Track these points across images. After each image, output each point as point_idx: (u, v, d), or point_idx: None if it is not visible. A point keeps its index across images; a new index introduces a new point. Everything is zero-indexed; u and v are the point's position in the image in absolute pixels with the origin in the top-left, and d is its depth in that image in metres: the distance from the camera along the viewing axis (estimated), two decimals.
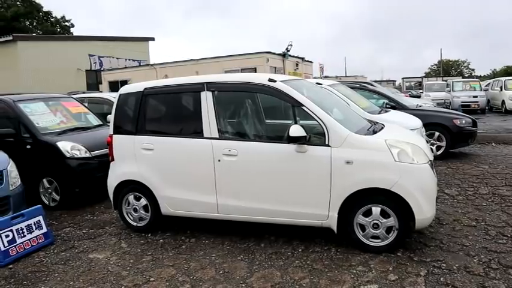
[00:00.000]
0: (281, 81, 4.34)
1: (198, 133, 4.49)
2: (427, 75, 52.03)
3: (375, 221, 4.04)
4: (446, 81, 24.70)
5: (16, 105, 6.53)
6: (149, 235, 4.88)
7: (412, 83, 38.73)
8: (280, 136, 4.32)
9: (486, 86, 21.63)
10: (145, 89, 4.82)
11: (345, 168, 4.00)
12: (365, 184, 3.97)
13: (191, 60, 16.39)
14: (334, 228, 4.15)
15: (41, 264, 4.30)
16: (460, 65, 58.80)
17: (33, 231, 4.70)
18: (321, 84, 6.74)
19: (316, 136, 4.14)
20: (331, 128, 4.05)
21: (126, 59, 25.29)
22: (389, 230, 4.04)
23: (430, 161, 4.21)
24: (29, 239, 4.62)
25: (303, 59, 18.63)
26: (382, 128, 4.67)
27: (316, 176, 4.09)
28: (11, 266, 4.28)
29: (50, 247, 4.73)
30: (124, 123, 4.95)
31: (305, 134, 3.99)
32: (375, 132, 4.43)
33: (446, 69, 54.52)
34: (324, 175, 4.06)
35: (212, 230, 4.88)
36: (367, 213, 4.06)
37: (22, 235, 4.57)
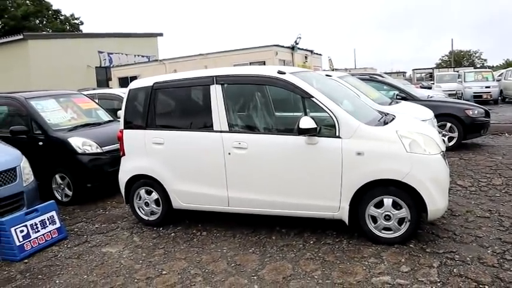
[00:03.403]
0: (290, 73, 4.32)
1: (208, 126, 4.50)
2: (438, 66, 51.40)
3: (387, 213, 4.01)
4: (457, 71, 24.39)
5: (28, 103, 6.60)
6: (161, 229, 4.91)
7: (423, 74, 38.31)
8: (290, 128, 4.31)
9: (499, 76, 21.27)
10: (155, 83, 4.82)
11: (355, 159, 3.97)
12: (376, 175, 3.94)
13: (200, 54, 16.39)
14: (346, 220, 4.13)
15: (55, 258, 4.36)
16: (472, 55, 57.96)
17: (47, 226, 4.76)
18: (330, 76, 6.70)
19: (327, 128, 4.12)
20: (341, 119, 4.02)
21: (135, 55, 25.37)
22: (401, 221, 4.01)
23: (442, 151, 4.17)
24: (42, 234, 4.68)
25: (312, 51, 18.53)
26: (393, 118, 4.62)
27: (327, 167, 4.07)
28: (26, 260, 4.34)
29: (63, 242, 4.79)
30: (134, 118, 4.97)
31: (315, 126, 3.97)
32: (385, 123, 4.39)
33: (458, 59, 53.77)
34: (334, 167, 4.04)
35: (223, 223, 4.89)
36: (379, 204, 4.03)
37: (36, 230, 4.63)
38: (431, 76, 33.75)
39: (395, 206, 3.99)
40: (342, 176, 4.03)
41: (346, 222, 4.15)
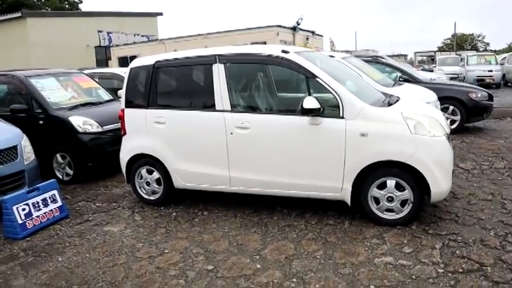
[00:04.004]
0: (294, 52, 4.26)
1: (210, 106, 4.45)
2: (440, 49, 50.95)
3: (390, 194, 4.00)
4: (460, 55, 24.18)
5: (28, 81, 6.52)
6: (162, 208, 4.91)
7: (425, 57, 38.00)
8: (294, 109, 4.27)
9: (502, 60, 21.10)
10: (157, 62, 4.75)
11: (359, 140, 3.94)
12: (380, 157, 3.92)
13: (200, 34, 16.18)
14: (348, 201, 4.12)
15: (57, 236, 4.36)
16: (475, 39, 57.40)
17: (49, 204, 4.75)
18: (333, 56, 6.61)
19: (330, 108, 4.07)
20: (345, 100, 3.97)
21: (134, 35, 25.05)
22: (403, 203, 4.00)
23: (447, 133, 4.13)
24: (44, 213, 4.67)
25: (313, 32, 18.31)
26: (398, 100, 4.57)
27: (330, 148, 4.04)
28: (28, 238, 4.34)
29: (65, 220, 4.78)
30: (135, 97, 4.92)
31: (319, 106, 3.92)
32: (390, 104, 4.34)
33: (460, 43, 53.28)
34: (338, 148, 4.01)
35: (224, 203, 4.88)
36: (382, 186, 4.02)
37: (38, 208, 4.62)
38: (432, 59, 33.46)
39: (398, 187, 3.98)
40: (345, 157, 4.01)
41: (349, 203, 4.14)
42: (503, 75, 19.34)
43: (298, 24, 16.40)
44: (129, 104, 4.93)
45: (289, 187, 4.28)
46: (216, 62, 4.40)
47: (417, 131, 3.88)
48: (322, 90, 4.14)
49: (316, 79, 4.06)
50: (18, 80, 6.60)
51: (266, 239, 3.95)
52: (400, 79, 8.32)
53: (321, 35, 18.77)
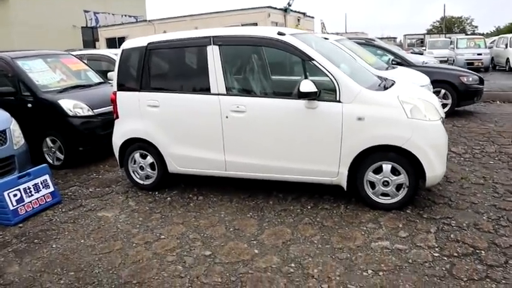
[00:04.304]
0: (290, 34, 4.19)
1: (205, 89, 4.38)
2: (429, 32, 51.01)
3: (385, 179, 4.01)
4: (450, 38, 24.22)
5: (14, 63, 6.34)
6: (156, 193, 4.87)
7: (414, 40, 38.01)
8: (289, 92, 4.23)
9: (491, 43, 21.21)
10: (149, 43, 4.64)
11: (356, 124, 3.92)
12: (376, 141, 3.91)
13: (190, 15, 15.87)
14: (344, 185, 4.13)
15: (50, 222, 4.30)
16: (463, 21, 57.49)
17: (40, 190, 4.67)
18: (327, 38, 6.55)
19: (327, 92, 4.04)
20: (342, 83, 3.93)
21: (122, 15, 24.50)
22: (399, 187, 4.02)
23: (442, 118, 4.14)
24: (36, 198, 4.59)
25: (304, 14, 18.09)
26: (393, 84, 4.55)
27: (327, 132, 4.02)
28: (20, 225, 4.27)
29: (57, 206, 4.71)
30: (128, 80, 4.81)
31: (316, 90, 3.89)
32: (385, 88, 4.32)
33: (449, 26, 53.35)
34: (334, 132, 3.99)
35: (219, 188, 4.86)
36: (378, 170, 4.03)
37: (30, 194, 4.54)
38: (422, 42, 33.54)
39: (394, 171, 3.99)
40: (341, 141, 3.99)
41: (345, 187, 4.14)
42: (492, 59, 19.45)
43: (290, 5, 16.20)
44: (121, 86, 4.83)
45: (285, 171, 4.26)
46: (210, 44, 4.31)
47: (413, 115, 3.87)
48: (318, 73, 4.10)
49: (313, 62, 4.01)
50: (4, 61, 6.41)
51: (263, 224, 3.94)
52: (393, 62, 8.30)
53: (312, 17, 18.61)
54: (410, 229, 3.70)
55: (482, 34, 44.06)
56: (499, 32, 45.98)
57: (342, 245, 3.49)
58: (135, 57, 4.74)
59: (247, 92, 4.39)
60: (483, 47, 19.21)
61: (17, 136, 5.11)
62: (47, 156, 6.27)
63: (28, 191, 4.55)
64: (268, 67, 4.88)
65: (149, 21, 17.50)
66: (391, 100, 3.95)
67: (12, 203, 4.35)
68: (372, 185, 4.08)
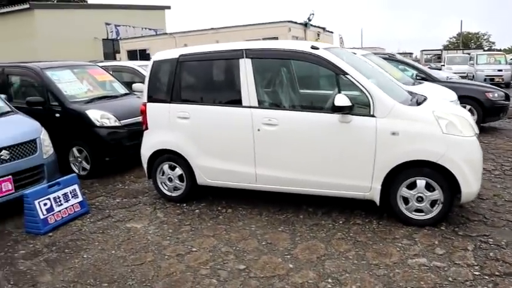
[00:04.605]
0: (324, 48, 4.18)
1: (236, 102, 4.38)
2: (446, 47, 50.75)
3: (420, 194, 3.94)
4: (469, 54, 24.04)
5: (44, 73, 6.45)
6: (184, 205, 4.85)
7: (431, 56, 37.78)
8: (321, 106, 4.21)
9: (511, 59, 20.98)
10: (181, 55, 4.67)
11: (390, 139, 3.88)
12: (411, 156, 3.86)
13: (211, 29, 16.01)
14: (377, 200, 4.06)
15: (79, 232, 4.30)
16: (480, 37, 57.17)
17: (70, 199, 4.69)
18: (355, 53, 6.53)
19: (360, 106, 4.00)
20: (376, 97, 3.90)
21: (142, 28, 24.89)
22: (433, 203, 3.94)
23: (476, 133, 4.07)
24: (65, 208, 4.61)
25: (324, 29, 18.16)
26: (425, 99, 4.50)
27: (360, 147, 3.98)
28: (50, 234, 4.28)
29: (86, 216, 4.72)
30: (158, 91, 4.84)
31: (350, 104, 3.86)
32: (418, 103, 4.27)
33: (465, 42, 53.05)
34: (368, 146, 3.95)
35: (247, 201, 4.82)
36: (411, 185, 3.96)
37: (59, 203, 4.56)
38: (439, 58, 33.30)
39: (428, 187, 3.92)
40: (375, 156, 3.94)
41: (377, 203, 4.08)
42: None
43: (310, 20, 16.27)
44: (152, 98, 4.86)
45: (317, 185, 4.22)
46: (243, 57, 4.33)
47: (449, 131, 3.82)
48: (351, 88, 4.08)
49: (346, 76, 3.99)
50: (34, 72, 6.53)
51: (295, 238, 3.89)
52: (417, 77, 8.23)
53: (331, 32, 18.63)
54: (447, 246, 3.62)
55: (500, 50, 43.71)
56: None
57: (378, 261, 3.41)
58: (166, 69, 4.77)
59: (279, 105, 4.38)
60: (504, 63, 19.00)
61: (46, 145, 5.17)
62: (73, 166, 6.32)
63: (58, 200, 4.57)
64: (300, 80, 4.86)
65: (170, 34, 17.70)
66: (426, 115, 3.91)
67: (42, 212, 4.37)
68: (406, 200, 4.01)
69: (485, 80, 16.72)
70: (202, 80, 4.78)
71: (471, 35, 56.74)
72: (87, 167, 6.20)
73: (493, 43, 55.63)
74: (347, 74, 3.99)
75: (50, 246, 4.01)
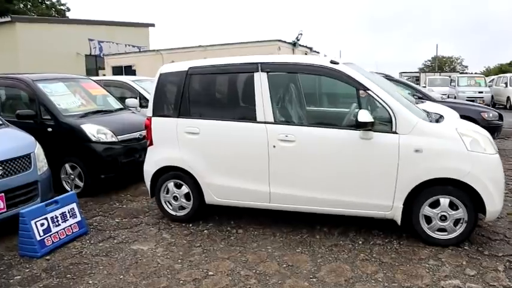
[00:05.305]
0: (343, 64, 4.06)
1: (250, 117, 4.18)
2: (421, 70, 52.10)
3: (443, 213, 3.81)
4: (449, 76, 24.66)
5: (35, 85, 6.12)
6: (190, 225, 4.57)
7: (407, 78, 38.64)
8: (341, 122, 4.07)
9: (490, 82, 21.60)
10: (190, 68, 4.47)
11: (413, 156, 3.75)
12: (435, 174, 3.74)
13: (200, 46, 15.83)
14: (398, 219, 3.91)
15: (80, 255, 3.97)
16: (454, 61, 59.04)
17: (68, 219, 4.36)
18: None
19: (381, 122, 3.88)
20: (399, 114, 3.79)
21: (126, 45, 24.54)
22: (456, 222, 3.82)
23: (497, 151, 4.00)
24: (63, 228, 4.27)
25: (311, 48, 18.30)
26: (442, 116, 4.42)
27: (382, 164, 3.84)
28: (47, 257, 3.93)
29: (84, 237, 4.39)
30: (165, 105, 4.61)
31: (373, 120, 3.73)
32: (437, 120, 4.18)
33: (440, 65, 54.68)
34: (390, 164, 3.81)
35: (256, 221, 4.59)
36: (434, 204, 3.83)
37: (57, 224, 4.22)
38: (417, 80, 34.08)
39: (452, 206, 3.79)
40: (397, 174, 3.81)
41: (399, 222, 3.93)
42: (492, 97, 19.72)
43: (298, 39, 16.37)
44: (158, 112, 4.61)
45: (335, 204, 4.03)
46: (258, 71, 4.16)
47: (473, 148, 3.73)
48: (370, 103, 3.97)
49: (368, 92, 3.87)
50: (25, 83, 6.19)
51: (316, 260, 3.67)
52: (415, 97, 8.23)
53: (318, 52, 18.80)
54: (476, 267, 3.48)
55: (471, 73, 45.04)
56: (489, 72, 47.10)
57: (410, 283, 3.23)
58: (173, 82, 4.56)
59: (296, 120, 4.22)
60: (483, 85, 19.52)
61: (40, 161, 4.83)
62: (64, 183, 5.96)
63: (55, 219, 4.24)
64: (317, 96, 4.72)
65: (157, 50, 17.46)
66: (450, 132, 3.81)
67: (39, 233, 4.03)
68: (428, 219, 3.87)
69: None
70: (213, 94, 4.58)
71: (445, 58, 58.56)
72: (81, 184, 5.85)
73: (466, 67, 57.49)
74: (368, 89, 3.88)
75: (49, 271, 3.66)
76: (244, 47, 14.37)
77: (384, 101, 3.83)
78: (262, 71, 4.15)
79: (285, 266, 3.59)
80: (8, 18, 20.39)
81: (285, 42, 15.56)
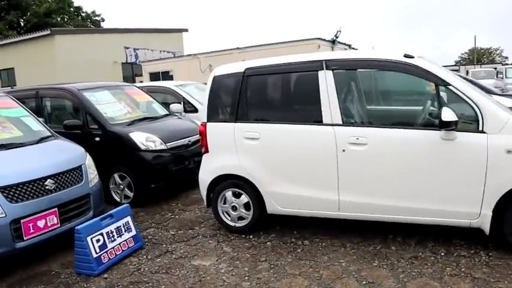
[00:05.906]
0: (419, 57, 3.67)
1: (315, 119, 3.86)
2: (457, 63, 50.26)
3: None
4: (495, 68, 23.50)
5: (81, 94, 5.99)
6: (251, 237, 4.28)
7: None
8: (419, 121, 3.69)
9: None
10: (247, 69, 4.18)
11: (505, 158, 3.33)
12: None
13: (237, 48, 15.62)
14: (486, 228, 3.48)
15: (138, 273, 3.74)
16: (492, 52, 56.65)
17: (123, 234, 4.15)
18: None
19: (465, 121, 3.47)
20: (487, 111, 3.38)
21: (160, 51, 24.77)
22: None
23: None
24: (119, 243, 4.06)
25: (350, 46, 17.80)
26: None
27: (467, 168, 3.43)
28: (105, 275, 3.72)
29: (140, 252, 4.17)
30: (221, 110, 4.35)
31: (457, 119, 3.33)
32: None
33: (478, 57, 52.54)
34: (477, 167, 3.40)
35: (322, 230, 4.25)
36: None
37: (112, 239, 4.02)
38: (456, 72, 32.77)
39: None
40: (485, 178, 3.39)
41: (487, 231, 3.50)
42: None
43: (337, 37, 15.91)
44: (213, 117, 4.35)
45: (413, 212, 3.65)
46: (322, 69, 3.82)
47: None
48: (449, 100, 3.57)
49: (449, 87, 3.47)
50: (71, 93, 6.08)
51: (399, 276, 3.30)
52: None
53: (356, 49, 18.23)
54: None
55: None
56: None
57: None
58: (229, 85, 4.28)
59: (367, 121, 3.86)
60: None
61: (91, 173, 4.66)
62: (113, 193, 5.80)
63: (111, 235, 4.03)
64: (390, 94, 4.35)
65: (194, 55, 17.36)
66: None
67: (95, 250, 3.82)
68: None
69: None
70: (274, 95, 4.28)
71: (483, 50, 56.26)
72: (130, 194, 5.67)
73: (506, 58, 54.96)
74: (449, 84, 3.48)
75: None
76: (283, 46, 14.04)
77: (468, 97, 3.43)
78: (327, 69, 3.81)
79: (365, 283, 3.24)
80: (48, 32, 20.91)
81: (324, 40, 15.13)
